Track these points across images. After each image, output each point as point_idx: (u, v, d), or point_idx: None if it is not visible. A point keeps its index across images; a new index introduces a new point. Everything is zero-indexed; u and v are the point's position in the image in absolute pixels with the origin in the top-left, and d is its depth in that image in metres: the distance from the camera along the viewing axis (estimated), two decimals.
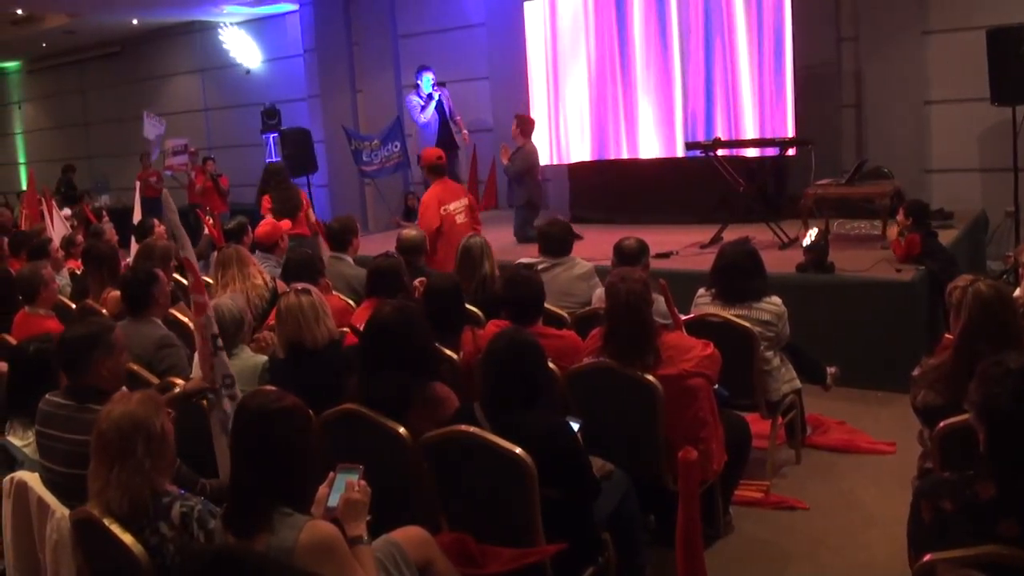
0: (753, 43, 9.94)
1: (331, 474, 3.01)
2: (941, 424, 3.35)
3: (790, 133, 9.47)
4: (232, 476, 2.82)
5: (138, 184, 12.97)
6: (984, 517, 2.54)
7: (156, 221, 8.66)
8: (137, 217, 9.62)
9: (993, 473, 2.58)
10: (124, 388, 4.12)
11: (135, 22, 17.20)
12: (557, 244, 6.10)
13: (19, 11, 16.02)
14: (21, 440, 4.01)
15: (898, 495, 3.74)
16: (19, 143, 23.83)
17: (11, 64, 22.63)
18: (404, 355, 3.85)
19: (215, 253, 7.14)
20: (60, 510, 3.36)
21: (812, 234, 7.09)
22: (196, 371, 4.36)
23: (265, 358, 4.56)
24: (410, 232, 6.78)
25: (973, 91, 9.22)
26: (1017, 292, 4.62)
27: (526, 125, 9.86)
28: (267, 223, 7.71)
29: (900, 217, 7.30)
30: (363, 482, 2.96)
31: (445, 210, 7.87)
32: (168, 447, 3.03)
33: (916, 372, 3.77)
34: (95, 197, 17.59)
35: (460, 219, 7.88)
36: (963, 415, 3.20)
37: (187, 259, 4.26)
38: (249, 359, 4.54)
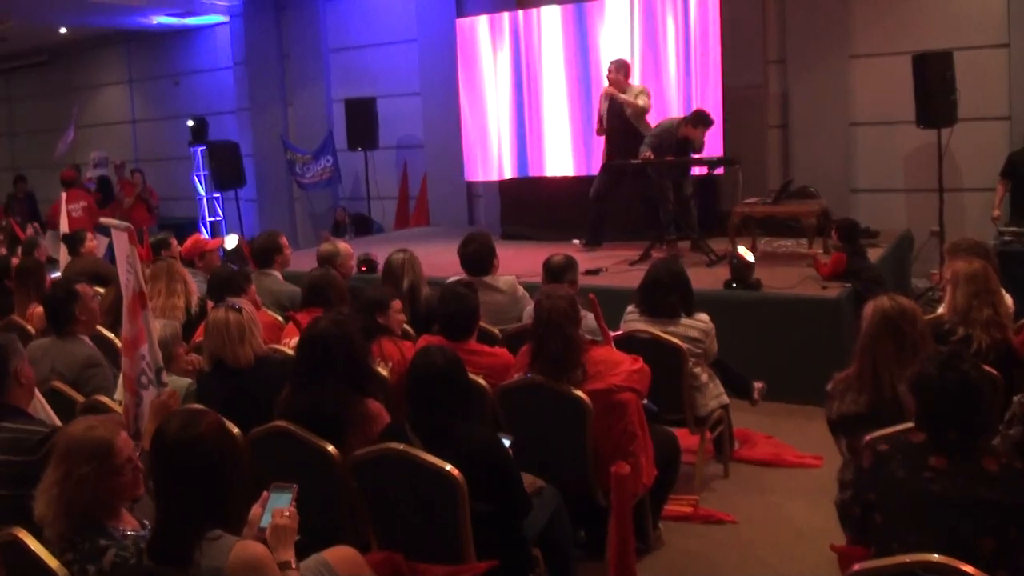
0: (682, 65, 10.10)
1: (264, 493, 2.98)
2: (868, 437, 3.40)
3: (719, 153, 9.58)
4: (157, 505, 2.74)
5: (64, 195, 12.69)
6: (917, 453, 2.83)
7: (90, 234, 8.53)
8: (64, 229, 9.39)
9: (922, 428, 2.89)
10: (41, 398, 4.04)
11: (63, 31, 16.86)
12: (476, 264, 5.98)
13: None
14: None
15: (825, 507, 3.79)
16: None
17: None
18: (340, 369, 3.83)
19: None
20: None
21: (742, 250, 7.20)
22: (119, 392, 4.28)
23: (188, 381, 4.47)
24: (327, 246, 6.83)
25: (898, 114, 9.48)
26: (941, 309, 4.72)
27: None
28: (192, 238, 7.66)
29: (834, 236, 7.44)
30: (292, 508, 2.92)
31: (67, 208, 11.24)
32: (121, 481, 2.83)
33: (829, 386, 3.90)
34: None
35: (75, 214, 11.66)
36: (885, 426, 3.29)
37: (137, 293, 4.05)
38: (174, 382, 4.38)
